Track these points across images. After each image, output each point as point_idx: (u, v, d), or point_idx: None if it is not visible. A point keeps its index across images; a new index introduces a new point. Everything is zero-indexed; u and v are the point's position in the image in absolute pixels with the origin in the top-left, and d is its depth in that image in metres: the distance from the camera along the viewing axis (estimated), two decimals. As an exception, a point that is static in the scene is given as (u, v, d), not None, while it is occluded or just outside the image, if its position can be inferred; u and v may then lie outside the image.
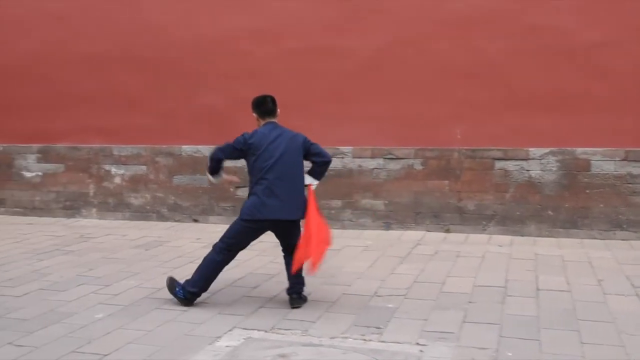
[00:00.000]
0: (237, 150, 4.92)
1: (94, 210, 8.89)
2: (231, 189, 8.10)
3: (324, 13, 7.89)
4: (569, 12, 7.20)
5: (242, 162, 5.31)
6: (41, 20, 8.89)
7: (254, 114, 5.07)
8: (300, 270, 4.94)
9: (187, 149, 8.40)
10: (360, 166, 7.87)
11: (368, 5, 7.75)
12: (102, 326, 4.59)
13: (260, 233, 4.98)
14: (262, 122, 5.00)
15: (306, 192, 4.96)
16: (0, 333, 4.47)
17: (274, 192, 4.78)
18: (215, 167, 5.08)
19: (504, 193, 7.44)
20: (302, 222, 4.94)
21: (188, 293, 4.98)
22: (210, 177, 5.18)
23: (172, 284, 5.09)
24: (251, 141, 4.85)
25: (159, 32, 8.45)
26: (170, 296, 5.13)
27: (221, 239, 4.99)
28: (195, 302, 5.03)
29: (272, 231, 5.02)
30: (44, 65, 8.91)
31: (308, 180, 5.00)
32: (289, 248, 5.00)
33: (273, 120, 5.02)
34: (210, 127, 8.22)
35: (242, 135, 4.94)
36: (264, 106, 5.01)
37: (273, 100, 5.04)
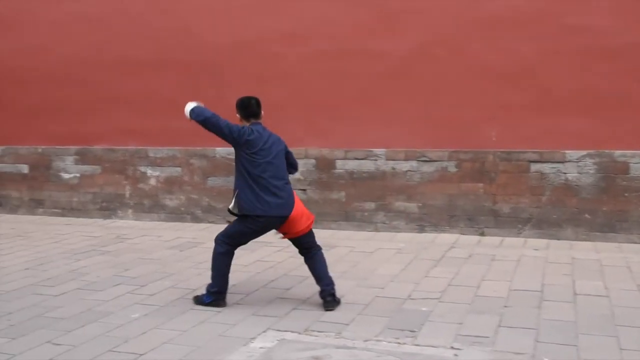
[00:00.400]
0: (231, 133, 4.90)
1: (130, 211, 9.01)
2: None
3: (356, 15, 7.88)
4: (606, 13, 7.08)
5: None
6: (79, 24, 9.04)
7: (237, 115, 5.11)
8: (326, 270, 5.02)
9: (220, 151, 8.46)
10: (393, 168, 7.84)
11: (400, 7, 7.72)
12: (138, 326, 4.64)
13: (261, 231, 4.99)
14: (247, 124, 5.04)
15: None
16: (40, 331, 4.56)
17: (271, 190, 4.84)
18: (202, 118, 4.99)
19: (540, 196, 7.35)
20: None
21: (212, 294, 5.06)
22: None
23: (197, 299, 5.17)
24: (250, 138, 4.91)
25: (193, 36, 8.54)
26: (205, 297, 5.23)
27: (222, 232, 5.08)
28: (229, 303, 5.08)
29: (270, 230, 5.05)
30: (82, 69, 9.06)
31: None
32: (303, 246, 5.06)
33: (258, 121, 5.09)
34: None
35: (242, 127, 4.96)
36: (250, 108, 5.08)
37: (258, 102, 5.12)
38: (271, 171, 4.89)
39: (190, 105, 5.09)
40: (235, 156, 5.00)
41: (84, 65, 9.05)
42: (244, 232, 4.97)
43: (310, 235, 5.09)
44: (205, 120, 4.98)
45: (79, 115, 9.15)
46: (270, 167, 4.90)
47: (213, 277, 5.07)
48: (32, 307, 5.12)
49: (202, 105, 5.12)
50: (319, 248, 5.13)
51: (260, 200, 4.82)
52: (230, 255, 5.07)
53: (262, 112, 5.15)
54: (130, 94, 8.87)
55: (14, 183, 9.59)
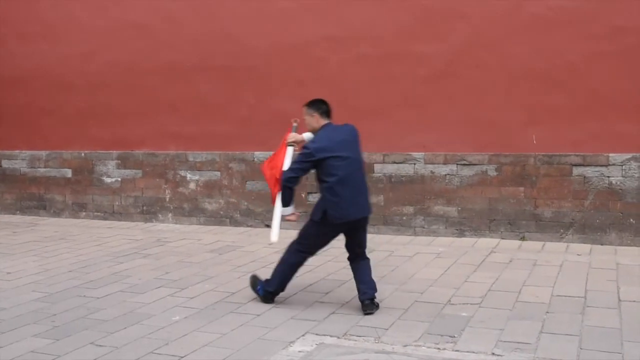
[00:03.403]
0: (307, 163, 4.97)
1: (170, 215, 9.13)
2: (302, 195, 8.15)
3: (398, 18, 7.85)
4: (652, 13, 6.93)
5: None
6: (123, 31, 9.20)
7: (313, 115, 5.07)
8: (370, 275, 5.00)
9: (259, 155, 8.51)
10: (432, 172, 7.78)
11: (442, 10, 7.66)
12: (179, 328, 4.70)
13: (336, 235, 5.03)
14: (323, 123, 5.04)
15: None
16: (83, 333, 4.65)
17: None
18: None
19: (582, 200, 7.21)
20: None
21: (266, 292, 5.17)
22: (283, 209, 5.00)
23: (254, 281, 5.31)
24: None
25: (235, 41, 8.60)
26: (244, 300, 5.28)
27: (297, 241, 5.08)
28: (269, 306, 5.10)
29: (347, 232, 5.03)
30: (125, 75, 9.21)
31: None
32: (358, 250, 5.05)
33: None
34: (283, 134, 8.27)
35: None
36: (326, 105, 5.11)
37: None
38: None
39: (283, 210, 5.03)
40: None
41: (127, 71, 9.19)
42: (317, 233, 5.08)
43: (363, 235, 5.07)
44: (291, 190, 4.93)
45: (121, 120, 9.30)
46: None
47: (273, 279, 5.19)
48: (76, 308, 5.23)
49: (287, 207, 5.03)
50: (367, 258, 5.13)
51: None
52: (298, 266, 5.22)
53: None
54: (171, 99, 8.99)
55: (58, 187, 9.79)
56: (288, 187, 4.89)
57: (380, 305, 5.01)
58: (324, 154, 4.79)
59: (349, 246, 5.11)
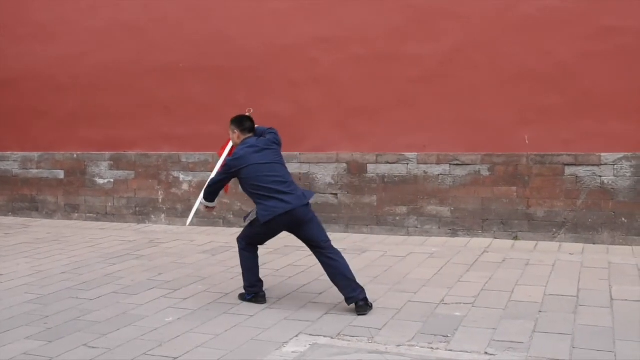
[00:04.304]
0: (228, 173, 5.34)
1: (163, 216, 9.11)
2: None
3: (391, 19, 7.86)
4: (643, 13, 6.97)
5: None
6: (115, 32, 9.18)
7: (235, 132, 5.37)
8: (343, 274, 4.98)
9: (253, 155, 8.49)
10: (425, 172, 7.80)
11: (434, 11, 7.68)
12: (172, 329, 4.69)
13: (274, 232, 5.18)
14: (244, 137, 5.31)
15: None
16: (76, 335, 4.63)
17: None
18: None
19: (575, 200, 7.24)
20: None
21: (248, 290, 5.29)
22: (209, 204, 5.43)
23: (241, 296, 5.39)
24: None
25: (228, 42, 8.60)
26: (238, 301, 5.33)
27: (239, 242, 5.31)
28: (262, 307, 5.12)
29: (289, 231, 5.16)
30: (118, 76, 9.19)
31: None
32: (313, 244, 5.11)
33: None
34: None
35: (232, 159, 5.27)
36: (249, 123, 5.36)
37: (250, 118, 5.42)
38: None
39: (202, 202, 5.47)
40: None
41: (120, 72, 9.18)
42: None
43: (310, 231, 5.07)
44: (212, 191, 5.34)
45: (114, 121, 9.28)
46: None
47: (243, 275, 5.37)
48: (69, 310, 5.21)
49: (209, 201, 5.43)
50: (330, 256, 5.03)
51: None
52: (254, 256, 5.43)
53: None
54: (164, 100, 8.98)
55: (50, 188, 9.76)
56: (209, 189, 5.33)
57: (373, 305, 5.01)
58: (241, 165, 5.09)
59: (305, 243, 5.19)
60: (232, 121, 5.37)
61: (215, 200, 5.41)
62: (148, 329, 4.70)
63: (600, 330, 4.43)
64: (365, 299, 4.95)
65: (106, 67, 9.26)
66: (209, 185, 5.34)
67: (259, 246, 5.33)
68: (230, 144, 5.51)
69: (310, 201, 5.19)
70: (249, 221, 5.22)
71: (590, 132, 7.15)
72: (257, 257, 5.32)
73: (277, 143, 5.29)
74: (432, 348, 4.19)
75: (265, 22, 8.42)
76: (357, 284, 4.98)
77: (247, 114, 5.43)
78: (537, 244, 7.21)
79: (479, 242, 7.36)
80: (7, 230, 8.94)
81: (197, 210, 6.04)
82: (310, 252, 5.29)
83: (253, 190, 5.08)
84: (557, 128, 7.28)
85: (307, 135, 8.32)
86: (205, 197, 5.37)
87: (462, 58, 7.60)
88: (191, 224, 8.80)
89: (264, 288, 5.36)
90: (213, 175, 5.44)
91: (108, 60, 9.24)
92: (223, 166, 5.35)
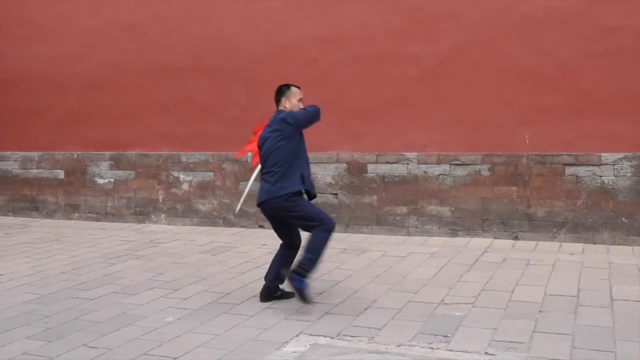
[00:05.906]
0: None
1: (163, 216, 9.11)
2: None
3: (390, 19, 7.86)
4: (643, 13, 6.96)
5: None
6: (114, 32, 9.18)
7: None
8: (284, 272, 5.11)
9: (252, 155, 8.48)
10: (425, 172, 7.80)
11: (434, 10, 7.68)
12: (172, 329, 4.69)
13: (270, 221, 5.34)
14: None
15: None
16: (76, 334, 4.63)
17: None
18: None
19: (575, 199, 7.24)
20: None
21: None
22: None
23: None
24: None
25: (227, 42, 8.60)
26: (238, 301, 5.33)
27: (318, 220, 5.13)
28: (263, 307, 5.12)
29: (269, 220, 5.35)
30: (118, 76, 9.19)
31: None
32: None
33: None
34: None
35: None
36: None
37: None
38: None
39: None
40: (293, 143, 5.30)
41: (119, 73, 9.18)
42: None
43: (291, 225, 5.22)
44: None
45: (114, 121, 9.28)
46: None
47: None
48: (69, 310, 5.21)
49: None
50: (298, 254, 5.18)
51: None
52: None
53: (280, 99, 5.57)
54: (164, 100, 8.98)
55: (51, 188, 9.76)
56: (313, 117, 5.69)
57: (373, 305, 5.02)
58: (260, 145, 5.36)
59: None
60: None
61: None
62: (148, 329, 4.70)
63: (600, 330, 4.42)
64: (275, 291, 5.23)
65: (106, 67, 9.25)
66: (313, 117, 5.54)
67: (282, 241, 5.32)
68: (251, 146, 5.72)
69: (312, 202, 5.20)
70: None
71: (590, 132, 7.15)
72: (280, 253, 5.29)
73: (287, 122, 5.30)
74: (432, 348, 4.19)
75: (265, 22, 8.42)
76: (280, 282, 5.21)
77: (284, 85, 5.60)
78: (537, 244, 7.21)
79: (479, 242, 7.36)
80: (7, 230, 8.93)
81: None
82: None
83: None
84: (557, 128, 7.27)
85: (307, 135, 8.25)
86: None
87: (462, 58, 7.60)
88: (191, 224, 8.86)
89: (262, 288, 5.34)
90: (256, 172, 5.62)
91: (108, 60, 9.24)
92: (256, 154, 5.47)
